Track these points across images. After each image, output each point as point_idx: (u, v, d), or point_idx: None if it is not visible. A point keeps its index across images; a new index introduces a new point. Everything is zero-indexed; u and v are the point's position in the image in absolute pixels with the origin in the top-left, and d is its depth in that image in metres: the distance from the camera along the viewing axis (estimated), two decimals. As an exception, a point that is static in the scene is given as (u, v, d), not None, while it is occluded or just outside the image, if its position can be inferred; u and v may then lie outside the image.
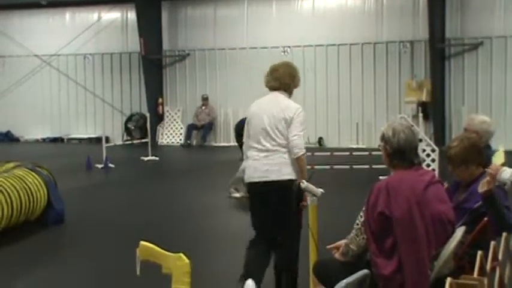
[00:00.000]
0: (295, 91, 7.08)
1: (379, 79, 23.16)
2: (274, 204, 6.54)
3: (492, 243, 4.77)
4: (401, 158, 5.12)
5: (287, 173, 6.54)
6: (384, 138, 5.19)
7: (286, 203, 6.38)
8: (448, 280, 3.61)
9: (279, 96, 6.90)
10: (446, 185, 6.05)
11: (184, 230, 11.08)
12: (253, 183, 6.82)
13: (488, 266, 4.49)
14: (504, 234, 5.49)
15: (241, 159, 14.33)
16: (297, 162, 6.55)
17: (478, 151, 5.98)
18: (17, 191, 10.28)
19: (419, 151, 5.33)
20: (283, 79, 6.95)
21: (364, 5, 23.35)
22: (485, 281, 4.05)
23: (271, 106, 6.82)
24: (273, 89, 7.05)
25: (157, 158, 20.44)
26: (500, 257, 4.77)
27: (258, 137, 6.77)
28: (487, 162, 6.77)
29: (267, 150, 6.67)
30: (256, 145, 6.79)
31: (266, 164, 6.64)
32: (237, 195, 13.58)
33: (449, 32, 22.16)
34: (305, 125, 6.76)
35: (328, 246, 5.55)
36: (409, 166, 5.12)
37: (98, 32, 26.99)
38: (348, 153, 17.89)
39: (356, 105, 23.42)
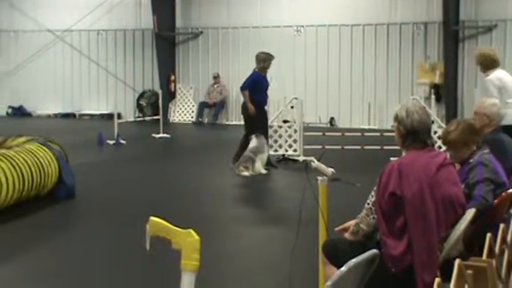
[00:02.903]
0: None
1: (392, 60, 23.07)
2: None
3: (501, 225, 4.77)
4: (415, 138, 5.11)
5: None
6: (397, 118, 5.17)
7: None
8: (457, 262, 3.61)
9: None
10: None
11: (194, 206, 11.11)
12: None
13: (497, 248, 4.49)
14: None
15: (246, 136, 14.41)
16: None
17: (475, 131, 6.24)
18: (28, 166, 10.33)
19: (431, 133, 5.33)
20: None
21: (379, -15, 23.23)
22: (494, 263, 4.05)
23: None
24: None
25: (168, 135, 20.46)
26: (509, 239, 4.77)
27: None
28: (499, 144, 6.80)
29: None
30: None
31: None
32: (246, 173, 13.59)
33: (463, 14, 22.01)
34: None
35: (337, 229, 5.56)
36: (421, 147, 5.11)
37: (112, 9, 26.94)
38: (359, 133, 17.85)
39: (368, 86, 23.35)
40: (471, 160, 6.01)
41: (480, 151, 6.07)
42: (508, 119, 9.45)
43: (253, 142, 13.95)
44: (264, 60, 14.47)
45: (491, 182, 5.81)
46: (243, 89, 14.41)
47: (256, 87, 14.29)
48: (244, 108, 14.44)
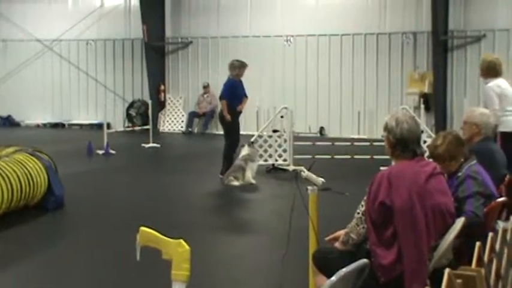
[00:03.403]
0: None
1: (381, 70, 23.14)
2: None
3: (490, 234, 4.78)
4: (404, 148, 5.12)
5: None
6: (387, 128, 5.19)
7: None
8: (447, 271, 3.62)
9: None
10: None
11: (184, 216, 11.10)
12: None
13: (486, 257, 4.50)
14: (502, 224, 5.52)
15: (230, 146, 14.43)
16: None
17: (462, 143, 6.22)
18: (17, 176, 10.29)
19: (421, 142, 5.33)
20: None
21: (368, -5, 23.32)
22: (483, 271, 4.06)
23: None
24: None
25: (158, 145, 20.44)
26: (497, 248, 4.78)
27: None
28: (488, 154, 6.83)
29: None
30: None
31: None
32: (236, 183, 13.59)
33: (452, 24, 22.11)
34: None
35: (327, 238, 5.56)
36: (411, 157, 5.12)
37: (101, 18, 26.95)
38: (349, 143, 17.89)
39: (358, 96, 23.40)
40: (459, 174, 6.01)
41: (468, 163, 6.07)
42: (508, 125, 9.54)
43: (245, 150, 13.97)
44: (239, 67, 14.61)
45: (480, 196, 5.81)
46: (222, 98, 14.52)
47: (234, 93, 14.42)
48: (222, 118, 14.51)
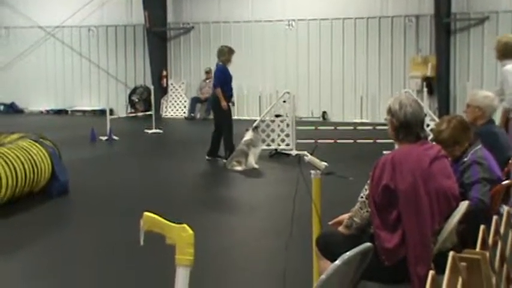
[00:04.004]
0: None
1: (384, 53, 23.09)
2: None
3: (494, 217, 4.78)
4: (408, 131, 5.10)
5: None
6: (390, 111, 5.16)
7: None
8: (451, 254, 3.62)
9: None
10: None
11: (188, 201, 11.12)
12: None
13: (490, 240, 4.50)
14: (506, 208, 5.51)
15: (229, 131, 14.49)
16: None
17: (467, 128, 6.11)
18: (21, 162, 10.30)
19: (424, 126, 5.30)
20: None
21: (370, -22, 23.24)
22: (488, 254, 4.06)
23: None
24: None
25: (161, 131, 20.45)
26: (502, 230, 4.79)
27: None
28: (491, 137, 6.80)
29: None
30: None
31: None
32: (239, 168, 13.59)
33: (455, 6, 22.04)
34: None
35: (330, 222, 5.56)
36: (415, 140, 5.10)
37: (103, 4, 26.90)
38: (352, 127, 17.87)
39: (360, 80, 23.37)
40: (465, 158, 5.94)
41: (473, 147, 6.00)
42: None
43: (248, 135, 13.99)
44: (228, 52, 14.88)
45: (487, 182, 5.75)
46: (216, 86, 14.73)
47: (224, 80, 14.63)
48: (215, 103, 14.64)
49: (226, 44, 16.36)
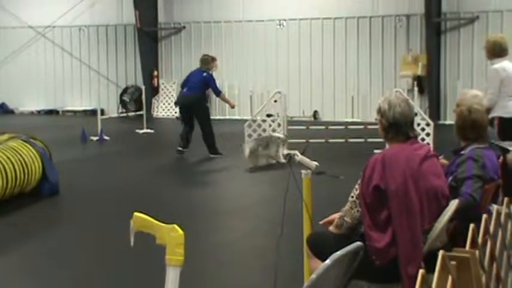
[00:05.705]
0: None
1: (374, 53, 23.14)
2: None
3: (484, 216, 4.79)
4: (397, 131, 5.11)
5: None
6: (380, 111, 5.18)
7: None
8: (441, 253, 3.63)
9: None
10: (443, 160, 6.12)
11: (179, 201, 11.11)
12: None
13: (480, 239, 4.51)
14: (495, 207, 5.53)
15: (211, 132, 14.78)
16: None
17: (479, 126, 6.14)
18: (12, 163, 10.28)
19: (414, 125, 5.31)
20: None
21: (361, -22, 23.27)
22: (477, 253, 4.07)
23: None
24: None
25: (152, 131, 20.44)
26: (491, 229, 4.80)
27: None
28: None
29: None
30: None
31: None
32: (247, 153, 13.64)
33: (445, 6, 22.11)
34: None
35: (321, 222, 5.56)
36: (404, 140, 5.11)
37: (93, 4, 26.86)
38: (343, 126, 17.89)
39: (351, 79, 23.41)
40: (463, 152, 5.99)
41: (474, 144, 6.02)
42: (510, 111, 9.31)
43: (280, 134, 14.28)
44: (212, 61, 15.58)
45: (479, 179, 5.78)
46: (218, 94, 15.67)
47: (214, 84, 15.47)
48: (200, 108, 15.33)
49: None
